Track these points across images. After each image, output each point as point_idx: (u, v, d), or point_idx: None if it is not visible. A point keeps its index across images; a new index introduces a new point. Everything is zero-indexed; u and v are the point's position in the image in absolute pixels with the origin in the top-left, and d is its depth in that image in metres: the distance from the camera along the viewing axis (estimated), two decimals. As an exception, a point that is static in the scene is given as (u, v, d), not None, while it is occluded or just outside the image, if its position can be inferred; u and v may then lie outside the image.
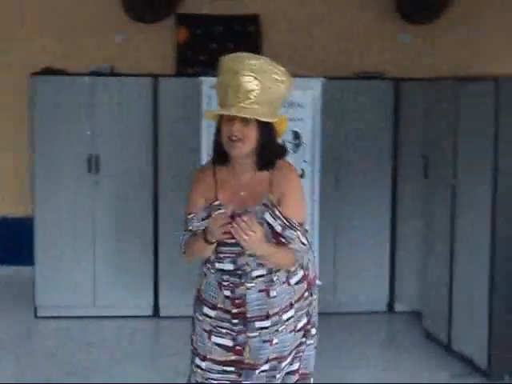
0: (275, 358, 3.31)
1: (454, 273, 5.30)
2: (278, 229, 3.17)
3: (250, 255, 3.20)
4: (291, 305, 3.30)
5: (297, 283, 3.33)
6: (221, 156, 3.26)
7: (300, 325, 3.36)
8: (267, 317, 3.27)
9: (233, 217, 3.17)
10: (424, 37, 7.15)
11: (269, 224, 3.16)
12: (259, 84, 3.09)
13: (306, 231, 3.35)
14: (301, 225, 3.22)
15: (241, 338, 3.28)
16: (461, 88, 5.18)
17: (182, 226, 3.36)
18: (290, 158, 3.40)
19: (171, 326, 6.13)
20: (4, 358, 5.40)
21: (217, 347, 3.31)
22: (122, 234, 6.20)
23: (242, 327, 3.27)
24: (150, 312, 6.30)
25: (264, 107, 3.12)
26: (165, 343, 5.96)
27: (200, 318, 3.39)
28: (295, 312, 3.31)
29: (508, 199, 4.83)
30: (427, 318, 5.75)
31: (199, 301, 3.43)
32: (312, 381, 3.47)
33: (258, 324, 3.27)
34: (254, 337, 3.27)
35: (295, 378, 3.41)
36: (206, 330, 3.35)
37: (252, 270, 3.24)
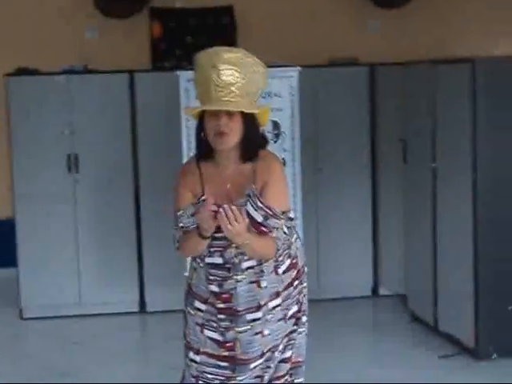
0: (269, 350, 3.33)
1: (437, 254, 5.35)
2: (259, 219, 3.17)
3: (237, 247, 3.22)
4: (277, 293, 3.32)
5: (284, 272, 3.35)
6: (205, 151, 3.27)
7: (290, 313, 3.38)
8: (258, 308, 3.29)
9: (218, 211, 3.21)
10: (395, 21, 7.18)
11: (249, 214, 3.16)
12: (240, 76, 3.11)
13: (291, 219, 3.37)
14: (284, 213, 3.25)
15: (229, 334, 3.29)
16: (437, 71, 5.22)
17: (172, 222, 3.34)
18: (270, 147, 3.41)
19: (158, 321, 6.14)
20: (-8, 360, 5.40)
21: (209, 340, 3.33)
22: (104, 231, 6.19)
23: (228, 323, 3.29)
24: (136, 308, 6.29)
25: (245, 99, 3.15)
26: (153, 338, 5.98)
27: (192, 311, 3.40)
28: (282, 300, 3.33)
29: (487, 180, 4.89)
30: (412, 300, 5.80)
31: (190, 295, 3.43)
32: (304, 368, 3.50)
33: (249, 316, 3.29)
34: (245, 331, 3.29)
35: (288, 366, 3.42)
36: (198, 324, 3.37)
37: (241, 262, 3.26)
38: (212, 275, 3.31)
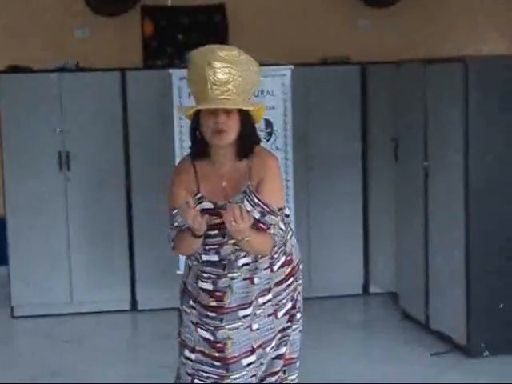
0: (260, 346, 3.34)
1: (429, 252, 5.37)
2: (257, 215, 3.19)
3: (234, 244, 3.23)
4: (269, 289, 3.33)
5: (278, 269, 3.37)
6: (200, 150, 3.27)
7: (285, 309, 3.39)
8: (250, 304, 3.30)
9: (215, 208, 3.22)
10: (385, 20, 7.21)
11: (247, 211, 3.17)
12: (236, 74, 3.12)
13: (287, 216, 3.39)
14: (280, 210, 3.26)
15: (219, 333, 3.30)
16: (429, 70, 5.24)
17: (167, 221, 3.37)
18: (262, 145, 3.41)
19: (149, 320, 6.13)
20: (-16, 360, 5.38)
21: (202, 340, 3.33)
22: (96, 230, 6.18)
23: (218, 322, 3.29)
24: (127, 307, 6.29)
25: (241, 96, 3.17)
26: (144, 337, 5.96)
27: (187, 310, 3.40)
28: (273, 296, 3.35)
29: (479, 179, 4.91)
30: (404, 298, 5.83)
31: (186, 293, 3.43)
32: (298, 365, 3.51)
33: (241, 313, 3.30)
34: (237, 327, 3.30)
35: (282, 362, 3.43)
36: (193, 322, 3.37)
37: (237, 259, 3.27)
38: (206, 273, 3.31)
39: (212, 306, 3.30)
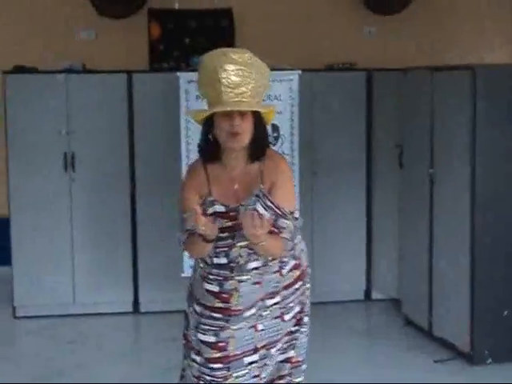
0: (263, 346, 3.35)
1: (433, 259, 5.37)
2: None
3: (242, 247, 3.23)
4: (277, 292, 3.34)
5: (287, 273, 3.38)
6: (212, 153, 3.27)
7: (292, 313, 3.41)
8: (255, 304, 3.31)
9: (227, 212, 3.22)
10: (391, 27, 7.23)
11: (260, 214, 3.19)
12: (250, 76, 3.13)
13: (296, 219, 3.40)
14: (291, 213, 3.26)
15: (223, 333, 3.30)
16: (436, 77, 5.25)
17: (177, 224, 3.34)
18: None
19: (152, 322, 6.13)
20: (-15, 359, 5.37)
21: (201, 344, 3.34)
22: (100, 231, 6.18)
23: (224, 323, 3.30)
24: (130, 308, 6.29)
25: (255, 99, 3.19)
26: (146, 339, 5.97)
27: (192, 313, 3.41)
28: (281, 299, 3.36)
29: (486, 186, 4.92)
30: (406, 304, 5.83)
31: (192, 296, 3.44)
32: (304, 367, 3.51)
33: (246, 313, 3.32)
34: (241, 328, 3.31)
35: (289, 366, 3.44)
36: (194, 326, 3.38)
37: (247, 262, 3.28)
38: (213, 275, 3.32)
39: (218, 308, 3.31)
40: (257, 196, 3.21)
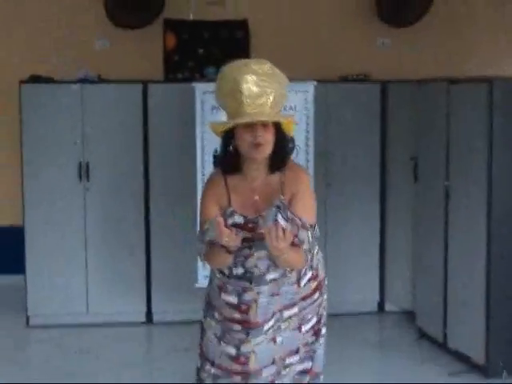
0: (280, 357, 3.35)
1: (448, 271, 5.35)
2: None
3: (259, 257, 3.23)
4: (294, 304, 3.34)
5: (305, 284, 3.38)
6: (233, 164, 3.27)
7: (310, 324, 3.41)
8: (272, 316, 3.32)
9: (246, 223, 3.22)
10: (405, 38, 7.23)
11: (282, 227, 3.18)
12: (271, 87, 3.14)
13: (314, 229, 3.39)
14: (311, 226, 3.26)
15: (244, 347, 3.30)
16: (453, 89, 5.23)
17: (197, 235, 3.36)
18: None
19: (164, 333, 6.13)
20: (-3, 367, 5.37)
21: (223, 354, 3.34)
22: (113, 240, 6.18)
23: (244, 336, 3.30)
24: (143, 318, 6.28)
25: (275, 109, 3.19)
26: (158, 350, 5.93)
27: (212, 323, 3.40)
28: (299, 310, 3.36)
29: (502, 199, 4.90)
30: (421, 316, 5.80)
31: (210, 306, 3.43)
32: (322, 379, 3.51)
33: (266, 326, 3.31)
34: (261, 341, 3.30)
35: (308, 377, 3.45)
36: (216, 336, 3.38)
37: (265, 274, 3.27)
38: (232, 285, 3.32)
39: (237, 320, 3.31)
40: (277, 207, 3.20)
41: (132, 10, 6.80)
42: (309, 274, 3.39)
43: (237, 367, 3.31)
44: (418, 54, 7.20)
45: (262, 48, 6.83)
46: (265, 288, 3.28)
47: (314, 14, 7.15)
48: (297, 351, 3.38)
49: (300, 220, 3.20)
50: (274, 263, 3.20)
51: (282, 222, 3.14)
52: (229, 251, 3.14)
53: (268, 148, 3.17)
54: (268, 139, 3.16)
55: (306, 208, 3.25)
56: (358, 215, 6.39)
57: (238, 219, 3.23)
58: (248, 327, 3.29)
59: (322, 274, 3.50)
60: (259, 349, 3.30)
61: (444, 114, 5.30)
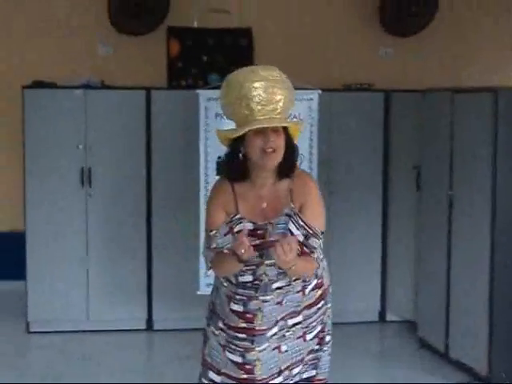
0: (287, 368, 3.33)
1: (451, 281, 5.34)
2: (300, 238, 3.19)
3: (268, 265, 3.22)
4: (298, 312, 3.33)
5: (310, 292, 3.37)
6: (241, 172, 3.25)
7: (314, 333, 3.39)
8: (276, 323, 3.30)
9: (255, 229, 3.21)
10: (408, 48, 7.24)
11: (292, 233, 3.18)
12: (280, 93, 3.13)
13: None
14: (322, 233, 3.26)
15: (249, 355, 3.28)
16: (457, 99, 5.23)
17: (204, 242, 3.36)
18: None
19: (165, 340, 6.10)
20: (-2, 373, 5.34)
21: (230, 362, 3.32)
22: (115, 247, 6.16)
23: (249, 344, 3.28)
24: (143, 325, 6.26)
25: (283, 115, 3.19)
26: (159, 357, 5.92)
27: (216, 331, 3.38)
28: (304, 319, 3.34)
29: (506, 208, 4.90)
30: (422, 326, 5.79)
31: (215, 314, 3.42)
32: (326, 387, 3.50)
33: (269, 333, 3.30)
34: (265, 349, 3.29)
35: (312, 385, 3.43)
36: (221, 345, 3.36)
37: (272, 282, 3.25)
38: (238, 294, 3.30)
39: (242, 328, 3.29)
40: (287, 215, 3.20)
41: (135, 17, 6.80)
42: (314, 283, 3.38)
43: (243, 375, 3.29)
44: (422, 63, 7.21)
45: (265, 56, 6.82)
46: (270, 296, 3.26)
47: (317, 24, 7.17)
48: (302, 360, 3.37)
49: (311, 228, 3.19)
50: (282, 271, 3.19)
51: (293, 230, 3.15)
52: (241, 260, 3.11)
53: (280, 154, 3.16)
54: (280, 145, 3.15)
55: (315, 215, 3.25)
56: (360, 223, 6.38)
57: (247, 226, 3.21)
58: (253, 335, 3.28)
59: (326, 282, 3.49)
60: (264, 356, 3.28)
61: (448, 123, 5.30)
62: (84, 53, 6.93)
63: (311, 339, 3.39)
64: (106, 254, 6.16)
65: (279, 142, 3.15)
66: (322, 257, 3.43)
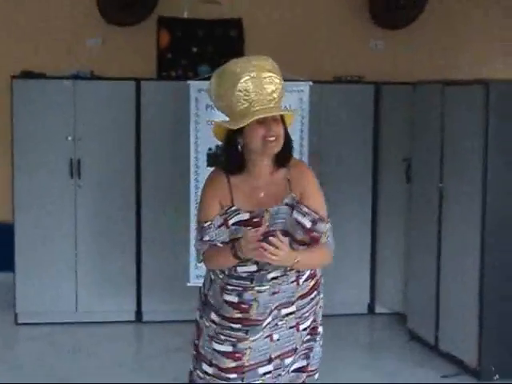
0: (278, 356, 3.33)
1: (441, 274, 5.35)
2: (308, 225, 3.20)
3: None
4: (292, 302, 3.32)
5: (303, 282, 3.36)
6: (238, 164, 3.24)
7: (307, 323, 3.39)
8: (270, 313, 3.30)
9: (251, 218, 3.19)
10: (399, 40, 7.24)
11: (298, 222, 3.18)
12: (277, 82, 3.14)
13: None
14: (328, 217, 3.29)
15: (241, 344, 3.27)
16: (447, 92, 5.23)
17: (196, 234, 3.33)
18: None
19: (154, 332, 6.09)
20: (-14, 365, 5.31)
21: (217, 354, 3.31)
22: (104, 238, 6.14)
23: (243, 334, 3.27)
24: (132, 317, 6.24)
25: (279, 104, 3.20)
26: (148, 349, 5.90)
27: (207, 323, 3.37)
28: (297, 309, 3.34)
29: (497, 200, 4.91)
30: (412, 318, 5.80)
31: (207, 306, 3.40)
32: (317, 377, 3.50)
33: (264, 323, 3.29)
34: (259, 337, 3.28)
35: (304, 375, 3.43)
36: (209, 336, 3.35)
37: (269, 272, 3.24)
38: (232, 285, 3.28)
39: (237, 318, 3.28)
40: (288, 205, 3.20)
41: (125, 7, 6.77)
42: (307, 273, 3.38)
43: (231, 363, 3.28)
44: (412, 55, 7.21)
45: (256, 47, 6.79)
46: (265, 287, 3.25)
47: (308, 15, 7.16)
48: (295, 350, 3.36)
49: (317, 213, 3.23)
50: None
51: (299, 218, 3.18)
52: (237, 256, 3.11)
53: (281, 142, 3.18)
54: (281, 133, 3.17)
55: (317, 203, 3.27)
56: (349, 215, 6.36)
57: (244, 216, 3.20)
58: (248, 325, 3.26)
59: (319, 272, 3.49)
60: (255, 345, 3.28)
61: (439, 116, 5.30)
62: (73, 44, 6.88)
63: (304, 329, 3.38)
64: (95, 246, 6.13)
65: (279, 131, 3.16)
66: (331, 241, 3.40)
